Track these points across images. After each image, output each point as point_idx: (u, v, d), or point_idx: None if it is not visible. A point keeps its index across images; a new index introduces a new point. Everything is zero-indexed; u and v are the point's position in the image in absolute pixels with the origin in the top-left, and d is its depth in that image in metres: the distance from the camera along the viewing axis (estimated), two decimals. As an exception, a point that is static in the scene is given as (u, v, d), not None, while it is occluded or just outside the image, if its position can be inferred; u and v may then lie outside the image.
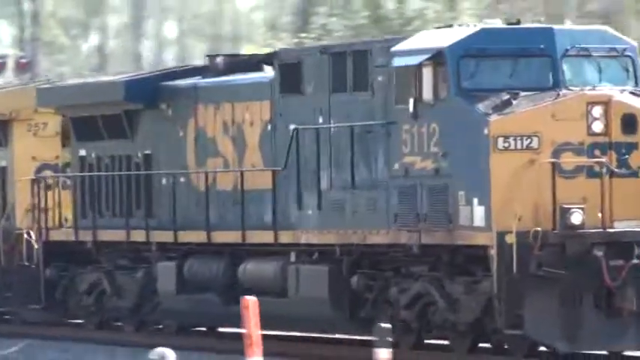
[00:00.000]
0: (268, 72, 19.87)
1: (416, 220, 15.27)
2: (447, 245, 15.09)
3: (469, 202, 14.68)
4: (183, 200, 20.89)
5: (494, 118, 14.50)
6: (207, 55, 23.63)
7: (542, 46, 15.62)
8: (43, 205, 23.46)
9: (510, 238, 13.49)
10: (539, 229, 13.70)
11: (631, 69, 15.82)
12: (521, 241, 13.48)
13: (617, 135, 14.50)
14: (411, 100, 15.43)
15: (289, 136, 18.00)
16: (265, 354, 9.02)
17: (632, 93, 15.19)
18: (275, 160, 18.72)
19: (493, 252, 13.82)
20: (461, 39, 15.69)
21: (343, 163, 17.28)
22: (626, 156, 14.66)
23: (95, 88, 24.04)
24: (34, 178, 23.56)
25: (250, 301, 9.11)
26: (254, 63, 21.10)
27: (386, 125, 16.23)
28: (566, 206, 13.91)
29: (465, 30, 16.52)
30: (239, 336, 11.05)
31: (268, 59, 19.84)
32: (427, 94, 15.42)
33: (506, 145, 14.45)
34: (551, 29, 16.65)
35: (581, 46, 15.71)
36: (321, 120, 17.80)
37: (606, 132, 14.49)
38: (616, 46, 16.04)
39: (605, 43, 16.11)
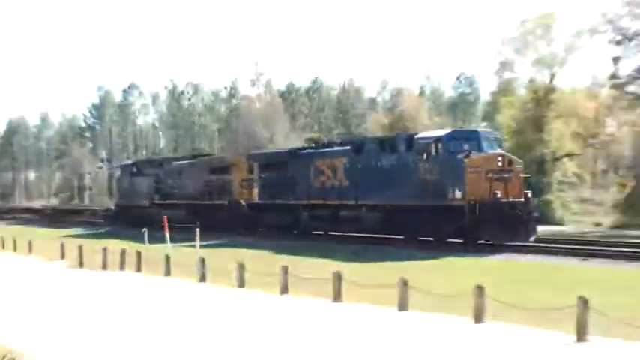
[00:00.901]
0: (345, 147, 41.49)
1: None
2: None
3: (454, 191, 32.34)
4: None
5: (466, 160, 32.53)
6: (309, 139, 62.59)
7: (474, 136, 35.07)
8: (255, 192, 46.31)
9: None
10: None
11: (499, 144, 36.15)
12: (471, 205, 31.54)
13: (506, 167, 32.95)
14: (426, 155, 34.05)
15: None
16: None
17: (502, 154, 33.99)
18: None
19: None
20: (447, 132, 36.11)
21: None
22: (510, 174, 32.85)
23: (273, 154, 51.53)
24: (240, 183, 47.43)
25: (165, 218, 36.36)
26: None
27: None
28: (494, 191, 31.70)
29: (446, 130, 41.34)
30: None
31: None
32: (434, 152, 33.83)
33: (471, 170, 32.19)
34: (477, 131, 40.12)
35: (487, 136, 35.63)
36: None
37: (502, 166, 32.84)
38: (496, 135, 39.21)
39: (492, 134, 38.55)
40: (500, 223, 31.09)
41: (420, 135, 37.21)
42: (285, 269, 21.39)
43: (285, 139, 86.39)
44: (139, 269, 28.43)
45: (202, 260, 25.28)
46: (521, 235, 31.74)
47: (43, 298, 22.54)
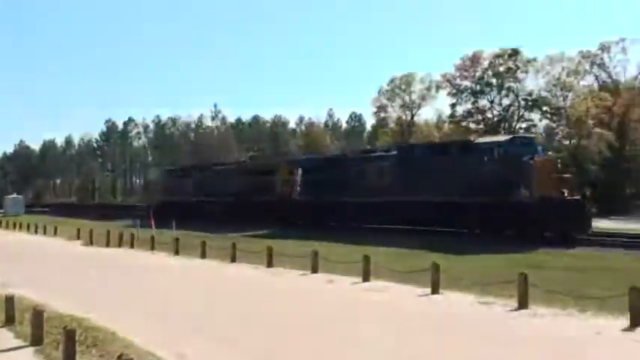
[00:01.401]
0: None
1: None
2: None
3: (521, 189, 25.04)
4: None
5: (531, 161, 25.28)
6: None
7: (531, 141, 28.48)
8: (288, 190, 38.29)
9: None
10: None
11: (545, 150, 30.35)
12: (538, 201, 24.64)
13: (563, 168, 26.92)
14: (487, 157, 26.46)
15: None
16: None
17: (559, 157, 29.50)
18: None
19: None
20: (508, 137, 28.98)
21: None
22: (568, 174, 26.63)
23: (318, 158, 42.79)
24: (283, 183, 39.04)
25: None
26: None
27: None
28: (560, 189, 25.27)
29: (504, 135, 36.21)
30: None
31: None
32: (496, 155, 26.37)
33: (537, 170, 24.80)
34: (532, 137, 32.71)
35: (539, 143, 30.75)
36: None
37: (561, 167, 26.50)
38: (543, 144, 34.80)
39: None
40: (565, 219, 24.16)
41: (480, 140, 30.43)
42: (233, 245, 20.84)
43: (235, 157, 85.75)
44: (132, 246, 27.34)
45: (176, 239, 24.54)
46: (580, 230, 24.63)
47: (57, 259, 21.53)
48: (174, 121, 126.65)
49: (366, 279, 15.54)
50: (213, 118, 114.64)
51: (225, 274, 18.34)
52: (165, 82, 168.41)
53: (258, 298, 14.09)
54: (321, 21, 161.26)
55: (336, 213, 34.02)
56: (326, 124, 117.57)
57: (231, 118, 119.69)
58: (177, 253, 23.74)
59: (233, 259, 20.71)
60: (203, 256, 22.19)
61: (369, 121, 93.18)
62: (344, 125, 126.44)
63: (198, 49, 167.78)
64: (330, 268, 17.14)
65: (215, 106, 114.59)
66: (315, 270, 17.41)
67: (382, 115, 71.64)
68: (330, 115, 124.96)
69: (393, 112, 70.97)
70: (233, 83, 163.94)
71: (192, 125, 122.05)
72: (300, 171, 38.34)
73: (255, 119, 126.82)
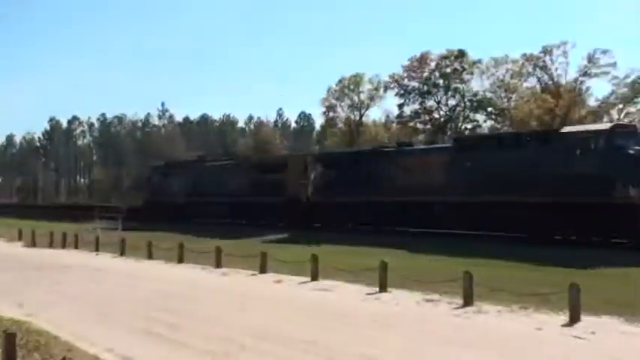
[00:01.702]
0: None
1: None
2: None
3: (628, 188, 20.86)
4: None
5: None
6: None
7: (635, 131, 23.31)
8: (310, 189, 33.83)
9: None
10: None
11: None
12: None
13: None
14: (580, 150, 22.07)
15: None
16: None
17: None
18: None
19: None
20: (610, 125, 24.55)
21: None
22: None
23: (342, 153, 39.85)
24: (296, 181, 34.49)
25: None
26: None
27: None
28: None
29: (604, 123, 29.75)
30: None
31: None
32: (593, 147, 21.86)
33: None
34: (635, 126, 26.84)
35: None
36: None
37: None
38: None
39: None
40: None
41: (571, 129, 24.59)
42: (181, 246, 20.59)
43: (183, 156, 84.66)
44: (76, 247, 26.73)
45: (122, 240, 24.12)
46: None
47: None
48: (120, 119, 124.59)
49: (314, 278, 15.60)
50: (160, 117, 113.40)
51: (161, 275, 18.04)
52: (111, 81, 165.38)
53: (182, 296, 13.95)
54: (270, 20, 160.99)
55: (368, 215, 29.64)
56: (275, 124, 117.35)
57: (178, 117, 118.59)
58: (122, 254, 23.35)
59: (180, 260, 20.47)
60: (150, 257, 21.89)
61: (318, 121, 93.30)
62: (293, 125, 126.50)
63: (145, 46, 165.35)
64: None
65: (162, 104, 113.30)
66: (263, 270, 17.36)
67: (331, 115, 71.92)
68: (280, 115, 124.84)
69: (342, 112, 71.37)
70: (181, 82, 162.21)
71: (139, 124, 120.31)
72: (318, 167, 33.76)
73: (204, 118, 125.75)
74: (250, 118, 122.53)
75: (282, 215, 33.94)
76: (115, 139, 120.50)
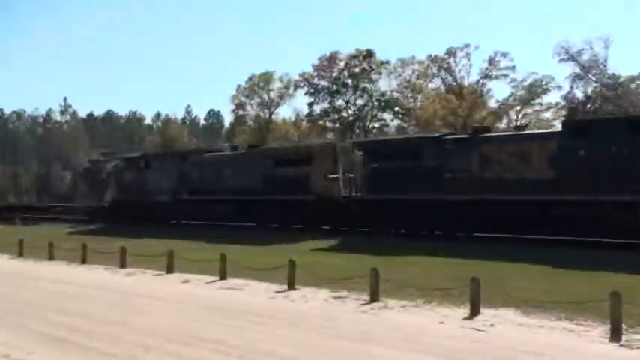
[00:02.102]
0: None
1: None
2: None
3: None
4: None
5: None
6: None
7: None
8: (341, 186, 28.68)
9: None
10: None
11: None
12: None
13: None
14: None
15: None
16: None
17: None
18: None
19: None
20: None
21: None
22: None
23: (393, 140, 31.92)
24: (325, 176, 28.63)
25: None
26: None
27: None
28: None
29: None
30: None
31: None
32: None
33: None
34: None
35: None
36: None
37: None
38: None
39: None
40: None
41: None
42: (84, 246, 19.91)
43: (86, 154, 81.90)
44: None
45: (21, 241, 23.06)
46: None
47: None
48: (19, 115, 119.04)
49: (222, 277, 15.45)
50: (62, 113, 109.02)
51: (62, 276, 17.38)
52: (8, 76, 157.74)
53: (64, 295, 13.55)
54: (177, 16, 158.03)
55: (430, 215, 24.26)
56: (184, 121, 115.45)
57: (82, 113, 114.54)
58: (21, 254, 22.35)
59: (83, 261, 19.80)
60: (51, 257, 21.07)
61: (228, 119, 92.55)
62: (202, 122, 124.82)
63: (48, 38, 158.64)
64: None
65: (65, 100, 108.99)
66: (170, 270, 17.04)
67: (240, 112, 71.55)
68: (188, 112, 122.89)
69: (252, 110, 71.14)
70: (85, 78, 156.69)
71: (40, 120, 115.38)
72: (359, 158, 27.90)
73: (109, 115, 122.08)
74: (158, 115, 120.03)
75: (307, 217, 28.13)
76: (13, 135, 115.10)
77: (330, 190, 28.18)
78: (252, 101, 70.64)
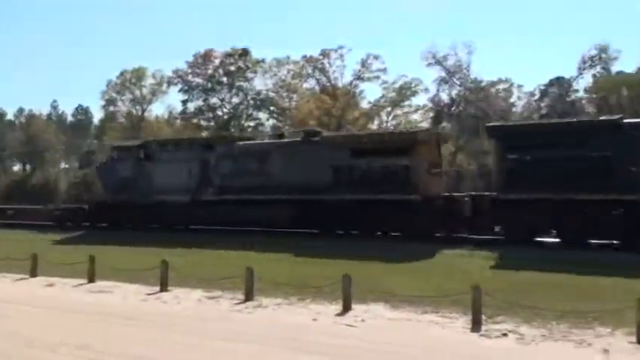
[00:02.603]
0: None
1: None
2: None
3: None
4: None
5: None
6: None
7: None
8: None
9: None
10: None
11: None
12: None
13: None
14: None
15: None
16: None
17: None
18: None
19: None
20: None
21: None
22: None
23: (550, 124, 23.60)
24: (429, 170, 23.37)
25: None
26: None
27: None
28: None
29: None
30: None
31: None
32: None
33: None
34: None
35: None
36: None
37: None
38: None
39: None
40: None
41: None
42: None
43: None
44: None
45: None
46: None
47: None
48: None
49: (91, 280, 14.83)
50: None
51: None
52: None
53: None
54: (44, 8, 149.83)
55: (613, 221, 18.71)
56: (49, 117, 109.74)
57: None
58: None
59: None
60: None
61: (98, 115, 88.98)
62: (70, 119, 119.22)
63: None
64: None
65: None
66: (34, 274, 16.13)
67: (111, 109, 69.03)
68: (55, 108, 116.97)
69: (123, 107, 68.83)
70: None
71: None
72: (495, 147, 22.36)
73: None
74: (21, 110, 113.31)
75: (409, 221, 22.06)
76: None
77: (435, 188, 23.17)
78: (123, 97, 68.39)
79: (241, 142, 28.15)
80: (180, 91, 65.25)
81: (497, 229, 21.21)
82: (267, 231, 24.65)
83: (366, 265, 15.97)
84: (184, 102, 65.16)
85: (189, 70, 64.30)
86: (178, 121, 68.06)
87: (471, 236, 21.31)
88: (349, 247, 20.16)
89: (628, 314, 9.28)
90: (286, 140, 27.90)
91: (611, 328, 9.42)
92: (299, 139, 26.61)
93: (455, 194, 23.30)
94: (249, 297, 12.28)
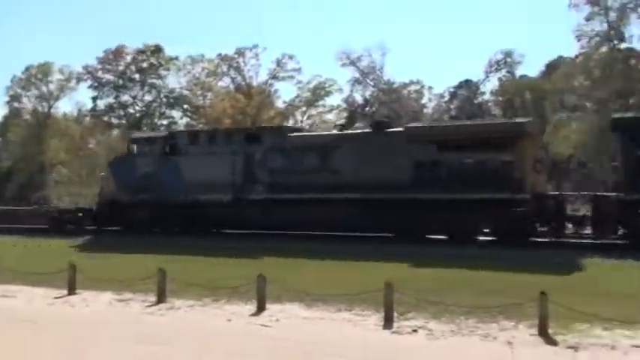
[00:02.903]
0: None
1: None
2: None
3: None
4: None
5: None
6: None
7: None
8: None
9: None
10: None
11: None
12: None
13: None
14: None
15: None
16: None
17: None
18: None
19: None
20: None
21: None
22: None
23: None
24: (534, 166, 20.95)
25: None
26: None
27: None
28: None
29: None
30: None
31: None
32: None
33: None
34: None
35: None
36: None
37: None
38: None
39: None
40: None
41: None
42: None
43: None
44: None
45: None
46: None
47: None
48: None
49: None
50: None
51: None
52: None
53: None
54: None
55: None
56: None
57: None
58: None
59: None
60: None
61: (1, 112, 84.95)
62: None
63: None
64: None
65: None
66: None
67: (16, 105, 66.07)
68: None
69: (29, 103, 65.99)
70: None
71: None
72: (620, 142, 19.41)
73: None
74: None
75: (517, 224, 19.59)
76: None
77: (540, 186, 20.94)
78: (28, 93, 65.51)
79: (295, 134, 25.16)
80: (90, 87, 63.34)
81: (620, 232, 19.07)
82: (325, 235, 22.23)
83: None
84: (94, 99, 63.33)
85: (100, 67, 62.50)
86: (88, 118, 65.97)
87: (585, 241, 19.23)
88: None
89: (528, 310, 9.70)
90: (355, 132, 25.13)
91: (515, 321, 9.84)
92: (369, 130, 23.86)
93: (565, 193, 21.57)
94: (161, 299, 12.05)
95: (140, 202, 25.70)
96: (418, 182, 20.85)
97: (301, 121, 60.46)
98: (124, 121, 62.62)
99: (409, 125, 23.86)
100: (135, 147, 27.48)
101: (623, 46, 46.93)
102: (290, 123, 59.98)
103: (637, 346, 8.44)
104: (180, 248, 20.18)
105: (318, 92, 61.75)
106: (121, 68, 61.97)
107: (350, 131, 25.55)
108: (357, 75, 57.19)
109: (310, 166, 22.83)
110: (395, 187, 21.05)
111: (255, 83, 60.94)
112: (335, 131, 27.64)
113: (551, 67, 55.63)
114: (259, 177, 23.90)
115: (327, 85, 61.35)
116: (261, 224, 23.51)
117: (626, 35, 46.49)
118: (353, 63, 56.35)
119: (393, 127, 23.28)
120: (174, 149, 26.09)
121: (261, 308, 11.08)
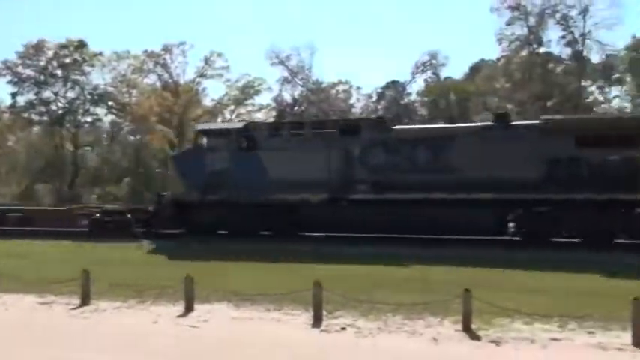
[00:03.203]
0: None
1: None
2: None
3: None
4: None
5: None
6: None
7: None
8: None
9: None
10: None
11: None
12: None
13: None
14: None
15: None
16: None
17: None
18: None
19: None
20: None
21: None
22: None
23: None
24: None
25: None
26: None
27: None
28: None
29: None
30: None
31: None
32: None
33: None
34: None
35: None
36: None
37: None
38: None
39: None
40: None
41: None
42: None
43: None
44: None
45: None
46: None
47: None
48: None
49: None
50: None
51: None
52: None
53: None
54: None
55: None
56: None
57: None
58: None
59: None
60: None
61: None
62: None
63: None
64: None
65: None
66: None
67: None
68: None
69: None
70: None
71: None
72: None
73: None
74: None
75: None
76: None
77: None
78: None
79: (400, 127, 23.03)
80: (9, 83, 60.87)
81: None
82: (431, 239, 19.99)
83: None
84: (14, 95, 60.87)
85: (20, 61, 60.14)
86: (7, 115, 63.39)
87: None
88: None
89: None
90: (475, 125, 23.15)
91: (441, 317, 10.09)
92: (491, 123, 21.25)
93: None
94: (86, 301, 11.73)
95: (211, 203, 22.54)
96: (551, 181, 18.97)
97: (229, 120, 59.97)
98: (45, 118, 60.49)
99: (545, 118, 21.23)
100: (205, 140, 24.10)
101: (542, 50, 48.89)
102: (219, 121, 59.49)
103: None
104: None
105: (247, 91, 61.38)
106: (42, 63, 59.82)
107: (470, 125, 23.73)
108: (286, 74, 57.22)
109: (421, 163, 20.63)
110: (521, 187, 19.02)
111: (182, 81, 60.02)
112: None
113: (475, 69, 57.26)
114: (359, 175, 21.43)
115: (256, 84, 61.05)
116: (363, 227, 21.04)
117: (544, 40, 48.52)
118: (282, 62, 56.34)
119: (538, 119, 20.88)
120: (253, 143, 22.81)
121: (189, 309, 10.94)
